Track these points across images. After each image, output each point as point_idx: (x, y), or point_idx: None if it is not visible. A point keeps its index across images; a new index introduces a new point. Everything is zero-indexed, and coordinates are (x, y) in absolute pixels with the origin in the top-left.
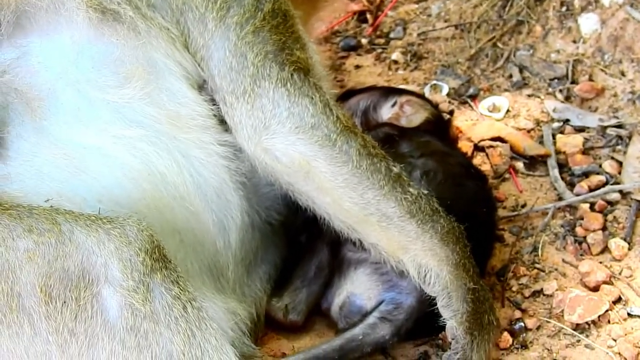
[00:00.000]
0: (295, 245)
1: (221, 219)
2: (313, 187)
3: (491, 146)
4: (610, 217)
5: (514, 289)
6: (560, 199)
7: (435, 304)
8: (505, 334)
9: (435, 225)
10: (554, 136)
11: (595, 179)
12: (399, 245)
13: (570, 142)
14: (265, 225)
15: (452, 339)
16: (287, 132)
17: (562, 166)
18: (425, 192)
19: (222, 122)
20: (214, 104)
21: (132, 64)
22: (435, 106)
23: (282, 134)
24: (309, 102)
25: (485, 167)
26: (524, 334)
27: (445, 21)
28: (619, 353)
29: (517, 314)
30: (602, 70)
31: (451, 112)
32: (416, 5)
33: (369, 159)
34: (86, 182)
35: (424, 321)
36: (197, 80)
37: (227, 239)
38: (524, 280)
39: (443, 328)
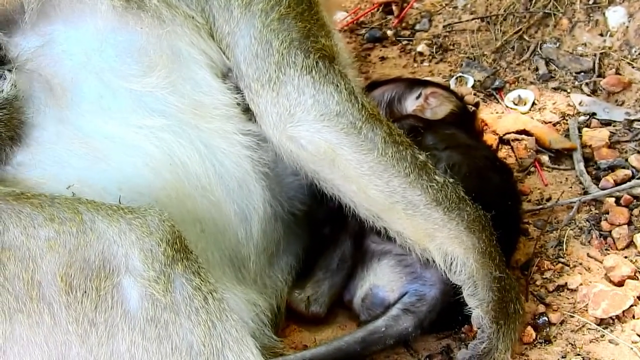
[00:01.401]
0: (318, 236)
1: (243, 210)
2: (338, 175)
3: (516, 139)
4: (635, 211)
5: (538, 283)
6: (585, 192)
7: (459, 296)
8: (529, 328)
9: (461, 213)
10: (579, 130)
11: (621, 173)
12: (425, 233)
13: (596, 136)
14: (288, 215)
15: (478, 328)
16: (312, 119)
17: (588, 160)
18: (451, 180)
19: (246, 111)
20: (237, 93)
21: (156, 52)
22: (460, 98)
23: (308, 122)
24: (334, 89)
25: (511, 161)
26: (548, 329)
27: (471, 13)
28: None
29: (541, 308)
30: (629, 63)
31: (476, 105)
32: None
33: (395, 146)
34: (107, 171)
35: (447, 313)
36: (221, 69)
37: (249, 230)
38: (548, 275)
39: (466, 321)
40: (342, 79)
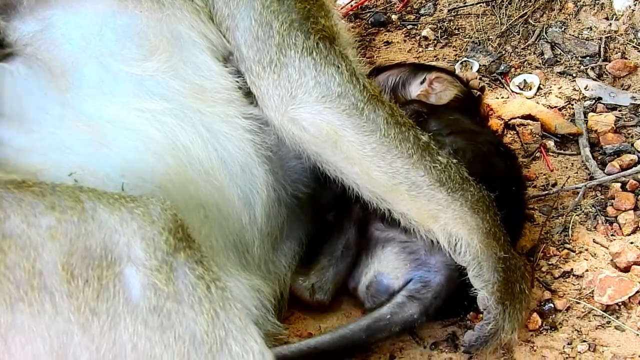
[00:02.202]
0: (321, 222)
1: (246, 194)
2: (341, 157)
3: (522, 124)
4: None
5: (543, 269)
6: (591, 178)
7: (464, 283)
8: (535, 315)
9: (465, 194)
10: (585, 114)
11: (627, 158)
12: (429, 214)
13: (602, 121)
14: (291, 199)
15: (484, 309)
16: (313, 101)
17: (594, 145)
18: (454, 160)
19: (247, 95)
20: (238, 76)
21: (156, 36)
22: (465, 83)
23: (309, 104)
24: (335, 70)
25: (516, 146)
26: (554, 315)
27: None
28: None
29: (547, 294)
30: (635, 47)
31: (482, 89)
32: None
33: (397, 127)
34: (109, 156)
35: (452, 300)
36: (222, 52)
37: (253, 214)
38: (553, 261)
39: (471, 308)
40: (343, 60)
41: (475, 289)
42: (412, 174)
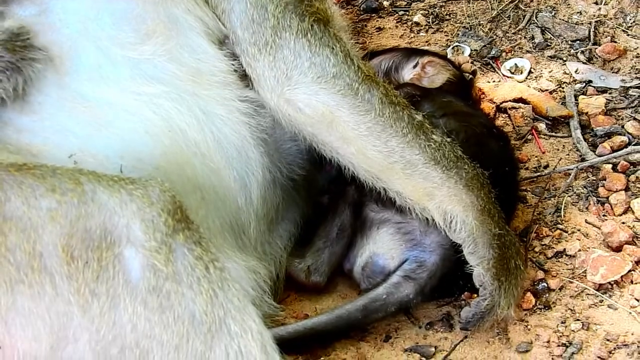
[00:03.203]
0: (316, 204)
1: (242, 176)
2: (337, 137)
3: (513, 107)
4: (632, 177)
5: (536, 249)
6: (582, 159)
7: (459, 263)
8: (529, 294)
9: (459, 172)
10: (576, 97)
11: (618, 140)
12: (424, 192)
13: (593, 103)
14: (287, 181)
15: (480, 285)
16: (309, 82)
17: (585, 127)
18: (449, 139)
19: (243, 77)
20: (234, 59)
21: (153, 20)
22: (457, 67)
23: (305, 85)
24: (330, 52)
25: (508, 129)
26: (547, 295)
27: None
28: None
29: (540, 274)
30: (624, 31)
31: (474, 73)
32: None
33: (392, 107)
34: (108, 138)
35: (447, 279)
36: (217, 35)
37: (249, 196)
38: (546, 241)
39: (466, 288)
40: (338, 41)
41: (471, 266)
42: (407, 152)
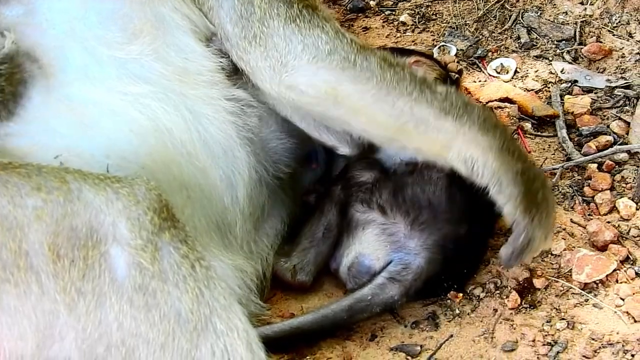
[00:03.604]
0: (302, 203)
1: (228, 175)
2: (345, 111)
3: (499, 107)
4: (618, 177)
5: None
6: (568, 159)
7: (444, 264)
8: (514, 293)
9: (471, 116)
10: (562, 97)
11: (603, 139)
12: (441, 144)
13: (578, 103)
14: (273, 180)
15: (512, 223)
16: (305, 64)
17: (570, 127)
18: (452, 88)
19: (230, 76)
20: (222, 57)
21: (140, 19)
22: (443, 67)
23: (302, 67)
24: (320, 31)
25: None
26: (532, 294)
27: None
28: (627, 312)
29: (526, 273)
30: (609, 31)
31: (460, 72)
32: None
33: (391, 69)
34: (94, 138)
35: (433, 281)
36: (205, 33)
37: (235, 195)
38: None
39: (451, 288)
40: (327, 21)
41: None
42: (416, 110)
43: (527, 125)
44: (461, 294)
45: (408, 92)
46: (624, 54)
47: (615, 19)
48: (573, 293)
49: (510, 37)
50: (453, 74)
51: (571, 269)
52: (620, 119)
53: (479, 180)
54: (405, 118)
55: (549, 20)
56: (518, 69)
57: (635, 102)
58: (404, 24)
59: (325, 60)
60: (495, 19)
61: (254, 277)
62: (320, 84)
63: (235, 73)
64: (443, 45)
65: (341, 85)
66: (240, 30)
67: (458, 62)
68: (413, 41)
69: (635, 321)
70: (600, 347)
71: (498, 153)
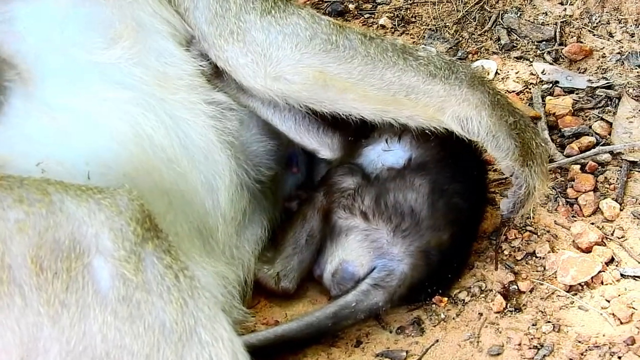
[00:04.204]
0: (284, 209)
1: (209, 179)
2: (334, 92)
3: None
4: (601, 178)
5: (506, 252)
6: (551, 160)
7: (428, 270)
8: (499, 297)
9: (458, 76)
10: (543, 98)
11: (586, 140)
12: (434, 109)
13: (560, 104)
14: (254, 184)
15: (511, 175)
16: (290, 53)
17: (552, 128)
18: (433, 51)
19: (210, 79)
20: (202, 60)
21: (120, 23)
22: None
23: (286, 57)
24: (297, 18)
25: None
26: (518, 297)
27: None
28: (613, 314)
29: (510, 276)
30: (590, 31)
31: None
32: None
33: (373, 42)
34: (75, 145)
35: (417, 287)
36: (184, 36)
37: (216, 199)
38: (516, 243)
39: (436, 293)
40: (302, 8)
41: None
42: (404, 78)
43: None
44: (446, 299)
45: (393, 62)
46: (604, 53)
47: (596, 19)
48: (558, 295)
49: (490, 39)
50: None
51: (556, 272)
52: (602, 119)
53: (474, 138)
54: (395, 88)
55: (528, 21)
56: (499, 71)
57: (617, 102)
58: (383, 27)
59: (308, 45)
60: (475, 21)
61: (236, 284)
62: (307, 70)
63: (216, 76)
64: (423, 48)
65: (327, 67)
66: (216, 28)
67: None
68: None
69: (621, 323)
70: (586, 350)
71: (490, 109)
